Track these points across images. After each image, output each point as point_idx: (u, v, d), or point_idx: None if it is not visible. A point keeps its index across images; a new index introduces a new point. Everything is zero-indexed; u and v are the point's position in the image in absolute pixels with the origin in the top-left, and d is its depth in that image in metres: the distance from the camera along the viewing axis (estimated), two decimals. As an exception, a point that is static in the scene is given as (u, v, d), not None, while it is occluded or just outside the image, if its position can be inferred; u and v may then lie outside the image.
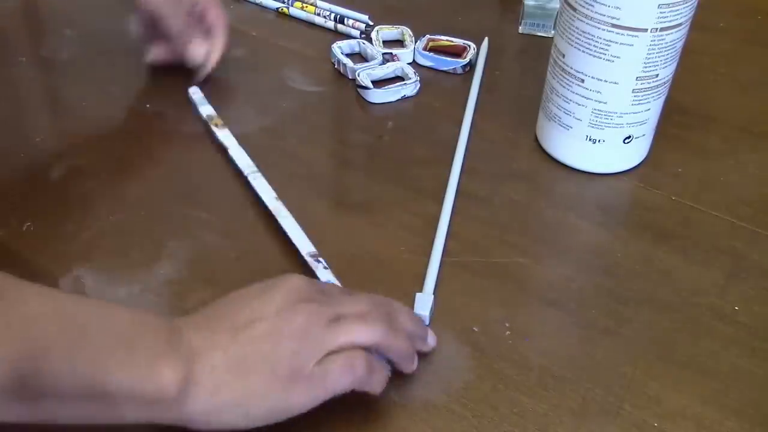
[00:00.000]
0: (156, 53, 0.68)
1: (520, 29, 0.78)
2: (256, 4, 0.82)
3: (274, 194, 0.56)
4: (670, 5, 0.51)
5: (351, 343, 0.40)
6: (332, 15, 0.78)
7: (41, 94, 0.70)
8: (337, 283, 0.49)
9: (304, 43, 0.76)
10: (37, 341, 0.33)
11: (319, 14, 0.78)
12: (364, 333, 0.40)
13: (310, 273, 0.50)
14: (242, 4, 0.82)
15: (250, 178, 0.57)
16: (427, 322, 0.47)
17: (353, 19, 0.77)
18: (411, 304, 0.48)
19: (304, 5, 0.79)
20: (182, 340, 0.37)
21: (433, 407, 0.43)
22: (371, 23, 0.76)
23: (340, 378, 0.39)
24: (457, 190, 0.58)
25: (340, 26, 0.77)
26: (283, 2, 0.80)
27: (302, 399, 0.38)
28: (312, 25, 0.79)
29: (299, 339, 0.38)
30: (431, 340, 0.45)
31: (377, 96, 0.68)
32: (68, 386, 0.34)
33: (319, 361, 0.38)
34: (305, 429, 0.42)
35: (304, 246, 0.51)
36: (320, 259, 0.50)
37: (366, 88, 0.68)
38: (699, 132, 0.66)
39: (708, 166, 0.62)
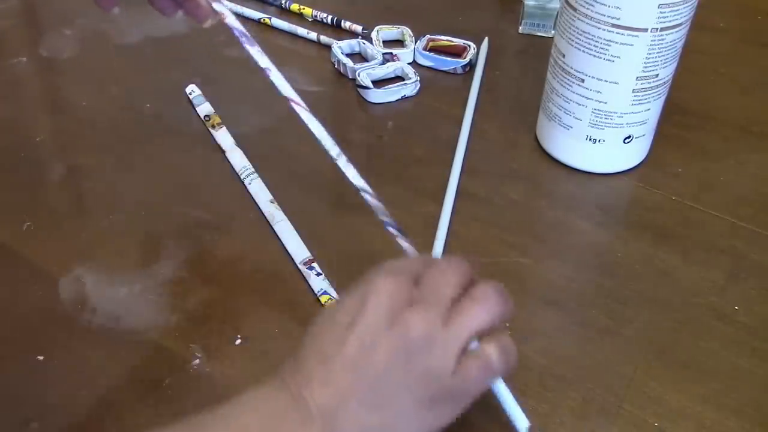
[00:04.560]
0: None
1: (520, 29, 0.78)
2: (238, 14, 0.79)
3: (269, 198, 0.56)
4: (670, 5, 0.51)
5: (475, 333, 0.37)
6: (329, 18, 0.78)
7: (41, 94, 0.70)
8: (331, 289, 0.49)
9: (304, 43, 0.76)
10: None
11: (315, 16, 0.78)
12: (482, 316, 0.37)
13: (305, 277, 0.50)
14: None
15: (246, 182, 0.57)
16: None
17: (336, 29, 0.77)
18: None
19: (301, 7, 0.79)
20: (310, 406, 0.35)
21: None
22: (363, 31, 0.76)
23: (480, 380, 0.37)
24: (457, 190, 0.58)
25: (323, 38, 0.75)
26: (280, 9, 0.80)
27: (448, 413, 0.37)
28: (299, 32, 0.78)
29: (426, 352, 0.35)
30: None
31: (377, 96, 0.68)
32: None
33: (453, 371, 0.36)
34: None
35: (298, 253, 0.52)
36: (313, 265, 0.51)
37: (366, 88, 0.68)
38: (699, 132, 0.66)
39: (708, 166, 0.62)
